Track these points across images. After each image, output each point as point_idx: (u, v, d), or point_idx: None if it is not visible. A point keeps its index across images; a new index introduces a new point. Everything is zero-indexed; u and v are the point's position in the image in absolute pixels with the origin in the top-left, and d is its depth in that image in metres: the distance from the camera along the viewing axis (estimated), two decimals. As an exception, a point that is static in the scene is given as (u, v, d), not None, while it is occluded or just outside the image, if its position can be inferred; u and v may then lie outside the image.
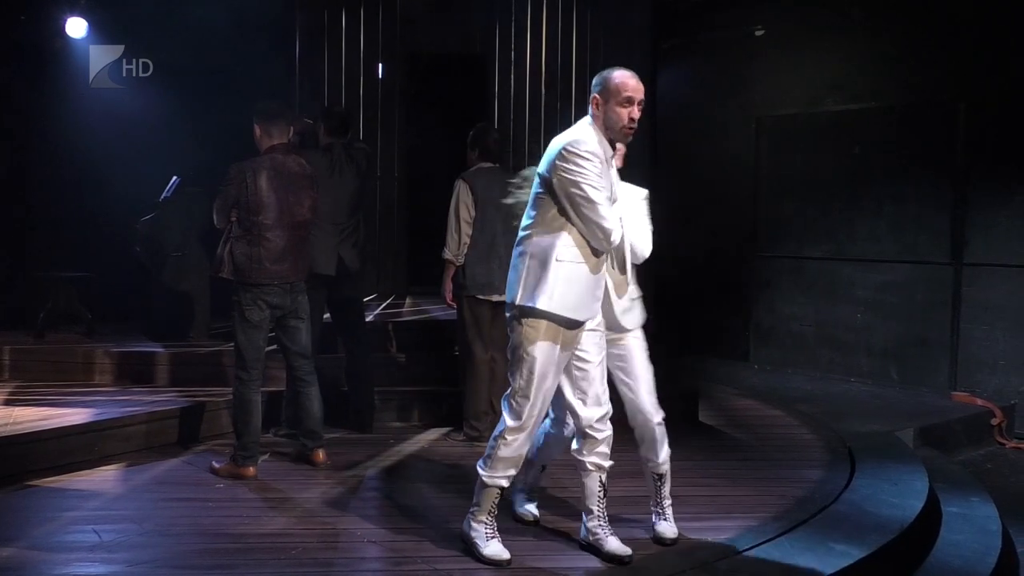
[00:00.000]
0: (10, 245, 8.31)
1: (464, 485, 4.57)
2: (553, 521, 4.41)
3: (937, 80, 8.32)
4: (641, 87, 3.79)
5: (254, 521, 4.44)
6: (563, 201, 3.75)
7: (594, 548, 4.01)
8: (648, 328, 4.30)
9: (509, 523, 4.30)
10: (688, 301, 9.72)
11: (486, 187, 5.77)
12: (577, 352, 3.88)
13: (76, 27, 8.04)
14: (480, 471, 3.95)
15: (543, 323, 3.76)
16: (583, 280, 3.80)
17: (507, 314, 3.90)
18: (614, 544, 3.96)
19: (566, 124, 8.58)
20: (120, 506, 4.64)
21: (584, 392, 3.90)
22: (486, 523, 3.96)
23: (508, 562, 3.89)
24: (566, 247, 3.77)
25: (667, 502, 4.23)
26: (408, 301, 8.40)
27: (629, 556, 3.91)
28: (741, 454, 5.88)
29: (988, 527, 4.97)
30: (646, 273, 7.99)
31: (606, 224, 3.71)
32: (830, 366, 9.04)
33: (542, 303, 3.74)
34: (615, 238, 3.75)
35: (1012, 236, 7.87)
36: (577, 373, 3.90)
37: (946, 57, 8.24)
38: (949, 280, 8.22)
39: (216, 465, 5.18)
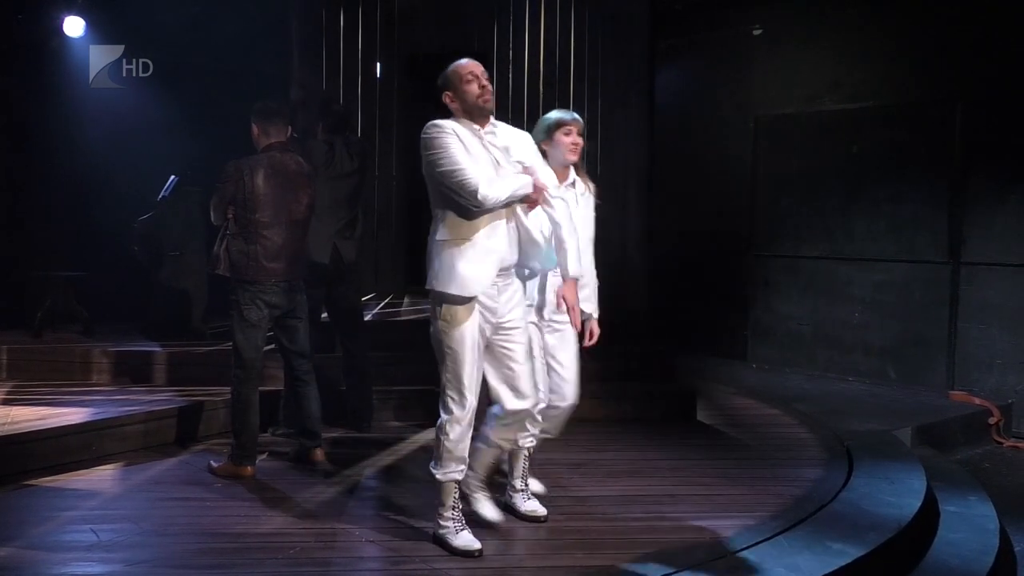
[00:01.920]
0: (8, 244, 8.31)
1: (462, 484, 4.55)
2: (551, 521, 4.42)
3: (935, 79, 8.33)
4: (478, 64, 3.98)
5: (252, 521, 4.44)
6: (433, 184, 3.86)
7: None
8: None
9: (512, 523, 4.31)
10: (686, 300, 9.73)
11: None
12: (504, 347, 3.98)
13: (73, 26, 8.04)
14: (433, 471, 4.05)
15: (454, 309, 3.85)
16: (468, 256, 3.82)
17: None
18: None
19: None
20: (118, 505, 4.64)
21: (511, 386, 4.04)
22: (452, 517, 4.05)
23: (479, 551, 3.96)
24: (446, 228, 3.85)
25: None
26: (406, 300, 8.40)
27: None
28: (739, 453, 5.87)
29: (986, 526, 4.97)
30: (646, 274, 7.96)
31: (470, 181, 3.72)
32: (828, 365, 9.05)
33: (437, 286, 3.85)
34: (483, 191, 3.72)
35: (1009, 235, 7.87)
36: (506, 370, 4.02)
37: (944, 57, 8.24)
38: (947, 279, 8.23)
39: (214, 464, 5.18)
